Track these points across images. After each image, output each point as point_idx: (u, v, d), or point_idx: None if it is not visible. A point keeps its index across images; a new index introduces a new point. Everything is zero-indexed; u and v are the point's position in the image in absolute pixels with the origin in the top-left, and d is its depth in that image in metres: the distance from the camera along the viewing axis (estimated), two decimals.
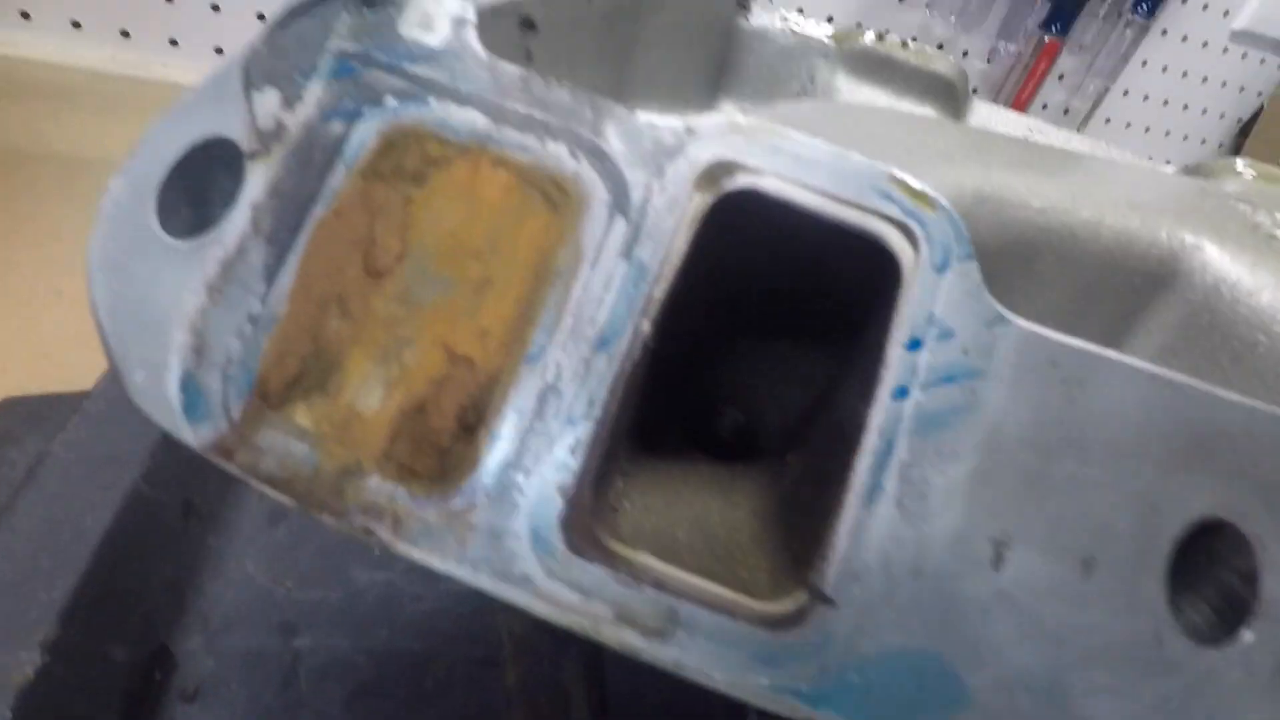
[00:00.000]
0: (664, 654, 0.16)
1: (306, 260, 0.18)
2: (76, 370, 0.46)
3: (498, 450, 0.17)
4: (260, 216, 0.18)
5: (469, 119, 0.19)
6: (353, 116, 0.19)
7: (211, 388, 0.18)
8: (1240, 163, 0.40)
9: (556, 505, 0.17)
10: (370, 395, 0.18)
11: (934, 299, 0.18)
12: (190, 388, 0.18)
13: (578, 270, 0.18)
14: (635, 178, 0.18)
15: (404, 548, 0.17)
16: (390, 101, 0.19)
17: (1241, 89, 1.32)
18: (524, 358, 0.18)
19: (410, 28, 0.19)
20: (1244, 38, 1.24)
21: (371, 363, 0.18)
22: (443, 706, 0.35)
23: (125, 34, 0.97)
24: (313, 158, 0.19)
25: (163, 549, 0.36)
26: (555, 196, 0.18)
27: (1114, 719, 0.16)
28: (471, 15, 0.19)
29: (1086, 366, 0.17)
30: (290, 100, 0.19)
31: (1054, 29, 1.11)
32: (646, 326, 0.18)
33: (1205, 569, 0.17)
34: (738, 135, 0.19)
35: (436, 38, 0.19)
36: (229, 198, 0.19)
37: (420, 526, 0.17)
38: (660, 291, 0.18)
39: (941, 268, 0.18)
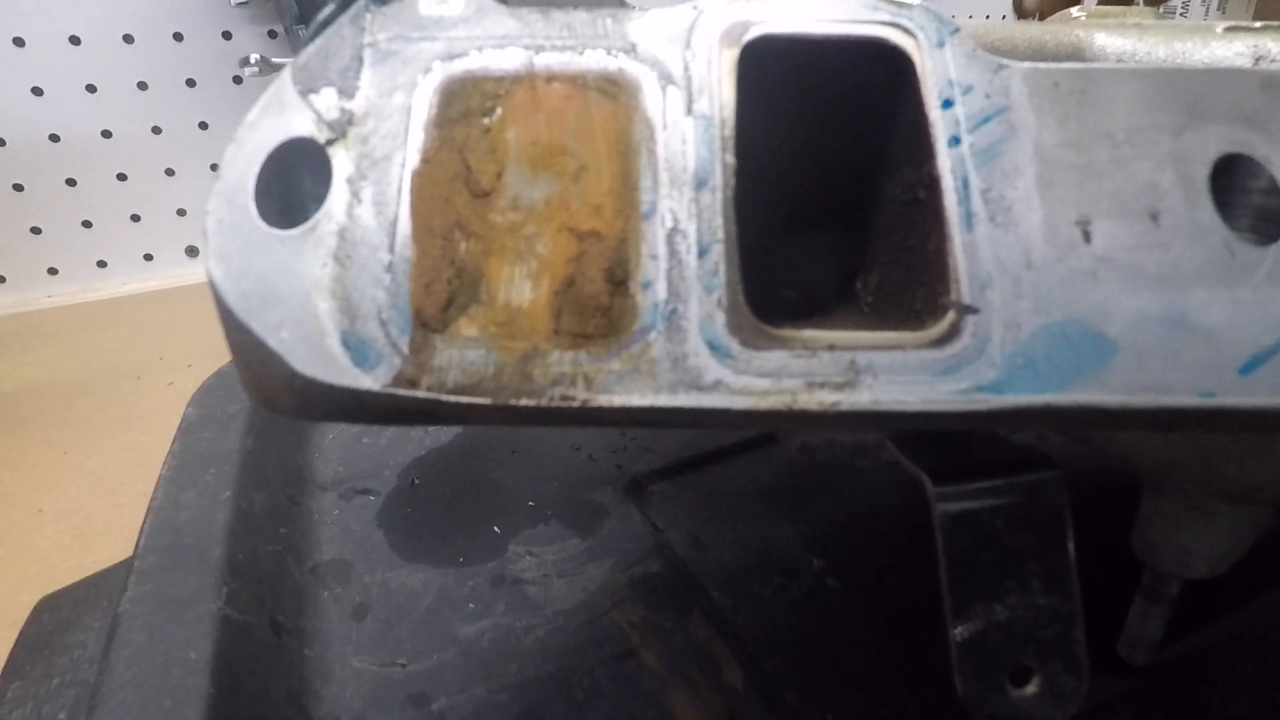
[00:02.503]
0: (860, 398, 0.18)
1: (416, 205, 0.20)
2: (75, 573, 0.44)
3: (652, 292, 0.19)
4: (358, 186, 0.20)
5: (510, 56, 0.21)
6: (409, 86, 0.21)
7: (373, 335, 0.19)
8: (1074, 10, 0.47)
9: (719, 317, 0.19)
10: (521, 289, 0.19)
11: (946, 67, 0.21)
12: (352, 342, 0.19)
13: (654, 136, 0.20)
14: (669, 55, 0.21)
15: (604, 399, 0.18)
16: (436, 64, 0.21)
17: None
18: (640, 216, 0.20)
19: (430, 6, 0.22)
20: None
21: (510, 265, 0.19)
22: (602, 707, 0.35)
23: (1, 279, 0.95)
24: (386, 127, 0.20)
25: (269, 667, 0.35)
26: (609, 89, 0.21)
27: (1225, 317, 0.19)
28: None
29: (1079, 79, 0.21)
30: (348, 91, 0.21)
31: None
32: (730, 159, 0.20)
33: (1239, 196, 0.21)
34: (737, 2, 0.22)
35: (455, 7, 0.22)
36: (323, 183, 0.20)
37: (610, 377, 0.18)
38: (728, 130, 0.20)
39: (940, 44, 0.21)
